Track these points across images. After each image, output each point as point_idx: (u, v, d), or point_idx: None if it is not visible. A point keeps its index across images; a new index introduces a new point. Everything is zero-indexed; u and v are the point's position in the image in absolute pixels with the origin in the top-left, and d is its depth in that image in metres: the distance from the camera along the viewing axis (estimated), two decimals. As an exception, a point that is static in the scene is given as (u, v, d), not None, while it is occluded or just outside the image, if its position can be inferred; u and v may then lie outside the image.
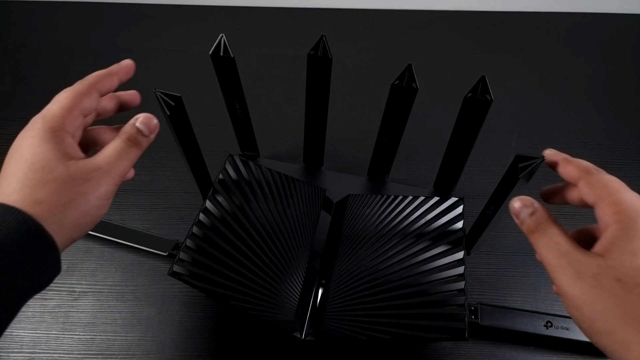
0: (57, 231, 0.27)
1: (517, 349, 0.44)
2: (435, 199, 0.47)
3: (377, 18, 0.80)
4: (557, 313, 0.43)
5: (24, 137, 0.29)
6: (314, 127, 0.49)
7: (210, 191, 0.47)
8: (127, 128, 0.31)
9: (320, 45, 0.39)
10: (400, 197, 0.48)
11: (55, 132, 0.29)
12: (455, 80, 0.70)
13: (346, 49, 0.73)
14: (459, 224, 0.45)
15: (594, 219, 0.31)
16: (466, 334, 0.38)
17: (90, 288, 0.48)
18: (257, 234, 0.46)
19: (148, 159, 0.59)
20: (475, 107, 0.41)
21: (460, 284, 0.41)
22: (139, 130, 0.31)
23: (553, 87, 0.68)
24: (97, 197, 0.29)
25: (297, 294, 0.43)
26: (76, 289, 0.48)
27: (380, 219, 0.47)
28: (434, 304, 0.40)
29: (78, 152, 0.30)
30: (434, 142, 0.62)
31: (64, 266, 0.49)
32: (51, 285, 0.47)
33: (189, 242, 0.44)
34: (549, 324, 0.42)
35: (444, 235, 0.45)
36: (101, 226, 0.49)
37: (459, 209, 0.46)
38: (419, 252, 0.44)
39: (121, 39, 0.77)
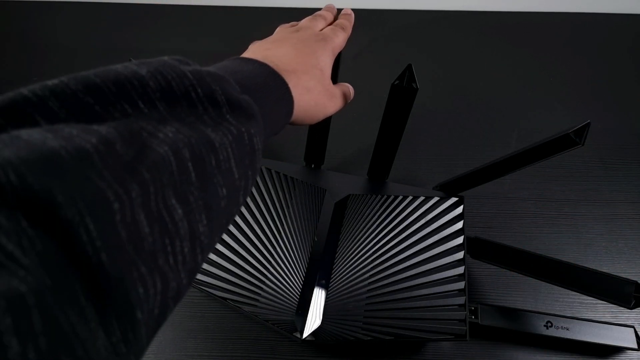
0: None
1: (517, 348, 0.44)
2: (436, 199, 0.47)
3: (376, 18, 0.80)
4: (557, 313, 0.43)
5: (318, 44, 0.34)
6: (318, 128, 0.49)
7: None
8: (348, 90, 0.37)
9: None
10: (400, 197, 0.48)
11: (334, 56, 0.35)
12: (455, 80, 0.70)
13: (346, 48, 0.73)
14: (459, 224, 0.45)
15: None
16: (466, 334, 0.38)
17: (90, 288, 0.48)
18: (257, 234, 0.46)
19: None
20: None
21: (461, 284, 0.41)
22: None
23: (553, 87, 0.68)
24: (326, 113, 0.34)
25: (297, 294, 0.43)
26: (76, 289, 0.48)
27: (380, 219, 0.47)
28: (435, 304, 0.40)
29: None
30: (434, 142, 0.62)
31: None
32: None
33: (189, 242, 0.44)
34: (549, 324, 0.42)
35: (444, 235, 0.45)
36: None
37: (459, 209, 0.46)
38: (419, 252, 0.44)
39: (121, 39, 0.77)
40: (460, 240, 0.44)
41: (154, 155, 0.18)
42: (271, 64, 0.29)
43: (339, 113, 0.36)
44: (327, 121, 0.48)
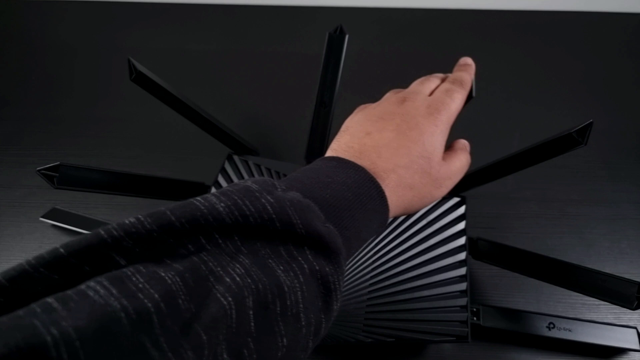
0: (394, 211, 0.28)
1: (520, 350, 0.43)
2: (437, 199, 0.47)
3: (377, 17, 0.80)
4: (559, 314, 0.42)
5: (428, 120, 0.29)
6: (319, 127, 0.49)
7: (210, 191, 0.47)
8: (467, 150, 0.34)
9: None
10: (402, 198, 0.48)
11: (449, 129, 0.30)
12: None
13: (347, 49, 0.72)
14: (461, 225, 0.45)
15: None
16: (468, 336, 0.38)
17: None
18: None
19: (147, 159, 0.59)
20: None
21: (462, 286, 0.41)
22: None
23: (554, 87, 0.68)
24: (435, 200, 0.30)
25: (298, 295, 0.43)
26: (75, 290, 0.47)
27: (381, 220, 0.47)
28: (436, 305, 0.40)
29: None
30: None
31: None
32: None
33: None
34: (552, 326, 0.41)
35: (446, 236, 0.44)
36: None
37: (461, 210, 0.46)
38: (420, 253, 0.44)
39: (120, 38, 0.77)
40: (462, 241, 0.44)
41: (215, 308, 0.18)
42: (368, 164, 0.26)
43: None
44: (328, 120, 0.48)
